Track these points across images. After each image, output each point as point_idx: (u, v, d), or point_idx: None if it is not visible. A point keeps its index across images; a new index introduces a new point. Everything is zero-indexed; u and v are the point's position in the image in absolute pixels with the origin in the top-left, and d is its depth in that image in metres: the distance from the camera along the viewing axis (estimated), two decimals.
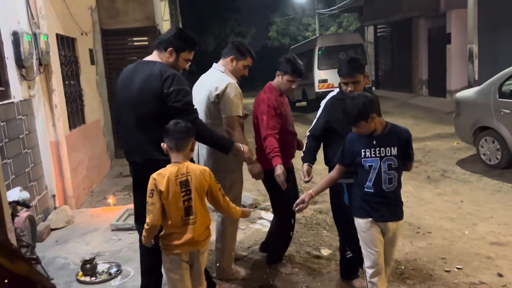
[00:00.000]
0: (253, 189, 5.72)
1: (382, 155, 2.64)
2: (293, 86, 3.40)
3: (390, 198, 2.70)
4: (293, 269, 3.59)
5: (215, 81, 3.22)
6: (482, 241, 4.10)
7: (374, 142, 2.65)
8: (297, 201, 2.81)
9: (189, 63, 3.04)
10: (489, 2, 11.41)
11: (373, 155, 2.65)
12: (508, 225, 4.42)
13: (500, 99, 6.15)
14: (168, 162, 2.48)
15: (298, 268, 3.65)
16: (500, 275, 3.44)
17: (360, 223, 2.75)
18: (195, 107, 2.83)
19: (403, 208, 2.80)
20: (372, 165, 2.65)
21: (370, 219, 2.70)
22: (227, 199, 2.59)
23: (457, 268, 3.59)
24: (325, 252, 3.94)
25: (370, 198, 2.69)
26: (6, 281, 0.84)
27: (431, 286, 3.32)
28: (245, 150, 3.00)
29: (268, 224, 4.63)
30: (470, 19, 10.25)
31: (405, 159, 2.71)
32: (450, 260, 3.72)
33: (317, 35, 19.74)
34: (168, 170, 2.40)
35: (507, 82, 6.18)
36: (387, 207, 2.71)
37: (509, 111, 5.99)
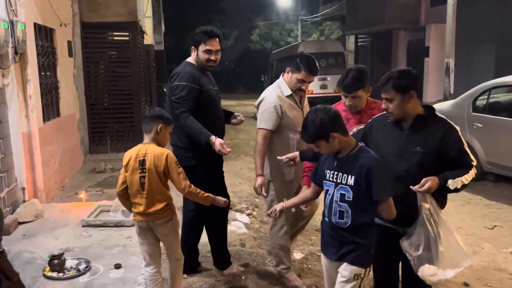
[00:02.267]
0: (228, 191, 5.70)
1: (338, 181, 2.23)
2: (348, 103, 2.91)
3: (343, 236, 2.24)
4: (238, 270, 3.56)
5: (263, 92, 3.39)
6: None
7: (335, 164, 2.27)
8: (270, 210, 2.67)
9: (215, 54, 3.25)
10: (467, 18, 11.74)
11: (330, 179, 2.27)
12: (476, 235, 4.53)
13: (473, 113, 6.32)
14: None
15: (270, 271, 3.65)
16: (466, 285, 3.52)
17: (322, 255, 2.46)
18: (190, 102, 3.12)
19: None
20: (328, 190, 2.29)
21: (323, 255, 2.40)
22: (188, 183, 2.74)
23: None
24: (297, 256, 3.95)
25: (326, 229, 2.34)
26: None
27: None
28: (216, 144, 3.05)
29: (243, 226, 4.64)
30: (449, 34, 10.51)
31: (372, 196, 2.16)
32: None
33: (299, 41, 19.90)
34: (134, 149, 2.76)
35: (481, 97, 6.36)
36: (341, 245, 2.26)
37: (481, 125, 6.15)
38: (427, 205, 2.21)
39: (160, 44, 17.19)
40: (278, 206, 2.61)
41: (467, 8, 11.62)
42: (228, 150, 3.06)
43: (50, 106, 6.08)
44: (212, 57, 3.25)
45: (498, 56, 12.14)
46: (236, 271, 3.54)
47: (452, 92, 10.55)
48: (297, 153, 2.81)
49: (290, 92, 3.22)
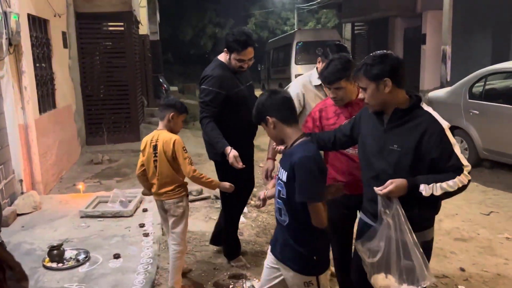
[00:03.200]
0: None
1: (278, 174, 2.09)
2: (331, 95, 2.66)
3: (284, 235, 2.10)
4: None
5: None
6: (447, 236, 4.23)
7: (281, 157, 2.13)
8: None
9: (248, 62, 3.21)
10: (464, 5, 11.69)
11: (278, 172, 2.12)
12: (472, 222, 4.57)
13: (470, 100, 6.33)
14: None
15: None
16: (463, 270, 3.56)
17: None
18: (213, 107, 3.17)
19: None
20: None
21: (270, 248, 2.24)
22: (193, 168, 2.92)
23: None
24: None
25: (277, 223, 2.20)
26: None
27: None
28: (230, 156, 3.06)
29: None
30: (445, 21, 10.47)
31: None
32: None
33: (296, 29, 19.80)
34: (150, 135, 3.02)
35: (477, 84, 6.36)
36: (282, 243, 2.12)
37: (477, 112, 6.17)
38: (389, 211, 1.95)
39: (155, 34, 17.04)
40: (261, 194, 2.39)
41: None
42: (240, 165, 3.05)
43: (46, 98, 6.06)
44: (245, 65, 3.25)
45: (495, 43, 12.14)
46: (243, 263, 3.56)
47: (449, 79, 10.53)
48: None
49: (319, 82, 3.06)
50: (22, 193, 4.83)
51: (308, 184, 1.95)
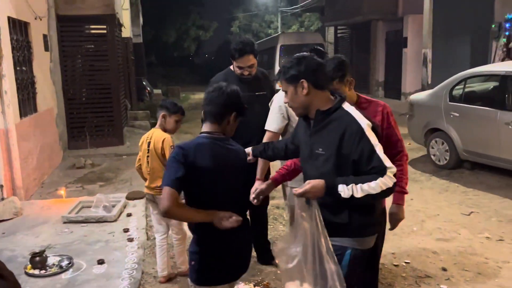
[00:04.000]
0: None
1: None
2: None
3: None
4: None
5: None
6: (429, 237, 4.30)
7: None
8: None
9: (247, 69, 3.25)
10: (443, 9, 11.90)
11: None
12: (453, 222, 4.65)
13: (450, 103, 6.44)
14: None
15: (253, 260, 3.69)
16: (444, 269, 3.62)
17: None
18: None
19: None
20: None
21: None
22: None
23: (405, 262, 3.75)
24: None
25: None
26: None
27: (380, 279, 3.43)
28: None
29: None
30: (425, 25, 10.66)
31: None
32: (399, 255, 3.88)
33: (279, 32, 19.88)
34: (147, 133, 3.28)
35: (457, 87, 6.48)
36: None
37: (458, 114, 6.29)
38: (306, 214, 1.83)
39: (138, 37, 16.95)
40: (251, 189, 2.28)
41: None
42: None
43: (27, 102, 5.97)
44: (245, 72, 3.28)
45: (474, 47, 12.36)
46: None
47: (429, 82, 10.70)
48: (249, 148, 2.37)
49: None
50: (3, 198, 4.75)
51: (167, 169, 1.93)
